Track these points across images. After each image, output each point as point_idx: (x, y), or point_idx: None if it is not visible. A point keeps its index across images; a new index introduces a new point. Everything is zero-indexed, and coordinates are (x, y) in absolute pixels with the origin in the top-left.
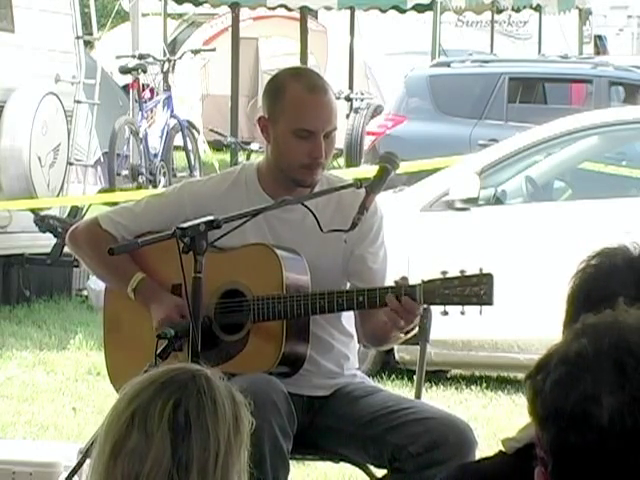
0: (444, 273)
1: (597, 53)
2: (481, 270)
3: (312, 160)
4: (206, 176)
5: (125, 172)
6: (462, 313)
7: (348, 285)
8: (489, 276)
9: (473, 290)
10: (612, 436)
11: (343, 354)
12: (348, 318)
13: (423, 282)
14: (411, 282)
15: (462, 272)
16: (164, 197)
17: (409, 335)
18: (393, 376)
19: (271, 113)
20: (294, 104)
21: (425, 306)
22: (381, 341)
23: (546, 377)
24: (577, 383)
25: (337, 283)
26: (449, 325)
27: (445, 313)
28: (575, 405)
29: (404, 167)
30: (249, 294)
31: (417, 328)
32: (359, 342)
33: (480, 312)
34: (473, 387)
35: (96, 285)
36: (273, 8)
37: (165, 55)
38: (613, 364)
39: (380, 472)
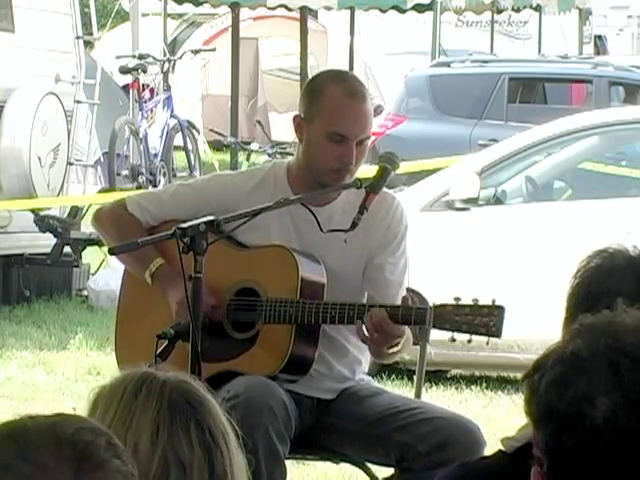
0: (457, 299)
1: (597, 53)
2: (494, 301)
3: (342, 165)
4: (236, 171)
5: (125, 172)
6: (469, 341)
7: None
8: (501, 309)
9: (483, 320)
10: (606, 437)
11: (357, 359)
12: None
13: (435, 306)
14: (413, 287)
15: (475, 300)
16: (192, 187)
17: (393, 350)
18: (393, 376)
19: (307, 113)
20: (332, 107)
21: (434, 329)
22: (375, 354)
23: (542, 377)
24: (571, 384)
25: (358, 288)
26: None
27: (453, 340)
28: (569, 406)
29: (404, 167)
30: (263, 295)
31: (399, 346)
32: None
33: (487, 343)
34: (473, 387)
35: (96, 285)
36: (273, 8)
37: (165, 55)
38: (608, 365)
39: (383, 471)
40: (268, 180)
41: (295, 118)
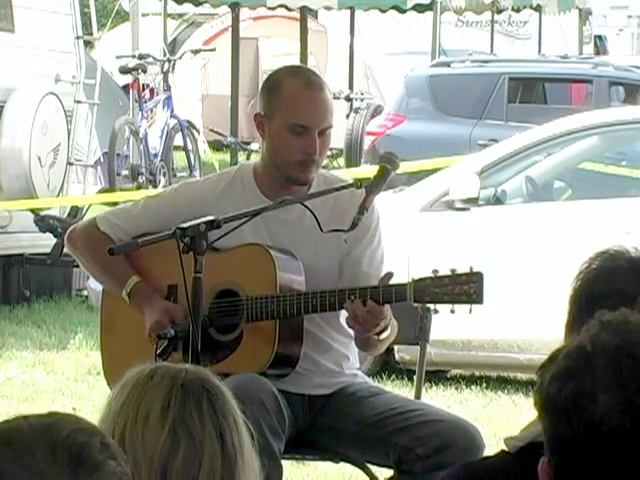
0: (435, 272)
1: (597, 53)
2: (471, 269)
3: (306, 156)
4: (204, 177)
5: (125, 172)
6: (452, 312)
7: None
8: (479, 275)
9: (463, 289)
10: (601, 433)
11: (342, 354)
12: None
13: (414, 281)
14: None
15: (453, 271)
16: (161, 199)
17: (383, 336)
18: (393, 376)
19: (267, 109)
20: (290, 99)
21: (416, 305)
22: (361, 344)
23: (550, 369)
24: (574, 378)
25: (334, 283)
26: (449, 325)
27: (435, 311)
28: (567, 399)
29: (404, 167)
30: (243, 294)
31: (388, 330)
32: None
33: (470, 311)
34: (473, 387)
35: (96, 285)
36: (273, 8)
37: (165, 55)
38: (611, 363)
39: (382, 471)
40: (236, 182)
41: (256, 116)
